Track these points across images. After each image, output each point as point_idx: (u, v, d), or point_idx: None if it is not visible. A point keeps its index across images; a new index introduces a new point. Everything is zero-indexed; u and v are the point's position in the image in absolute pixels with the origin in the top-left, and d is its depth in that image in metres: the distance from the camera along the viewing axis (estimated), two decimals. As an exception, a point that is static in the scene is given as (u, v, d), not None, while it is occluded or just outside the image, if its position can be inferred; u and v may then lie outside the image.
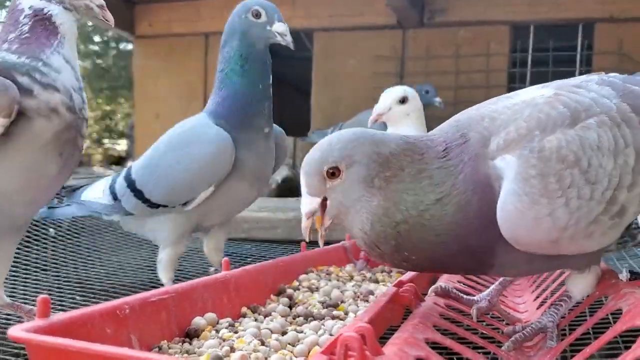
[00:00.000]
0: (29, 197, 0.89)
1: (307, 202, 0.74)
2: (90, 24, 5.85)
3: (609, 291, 0.78)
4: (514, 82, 3.19)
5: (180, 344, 0.73)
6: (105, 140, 8.47)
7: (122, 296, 0.72)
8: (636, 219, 1.07)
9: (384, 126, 1.29)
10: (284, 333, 0.78)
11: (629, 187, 0.70)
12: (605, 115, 0.72)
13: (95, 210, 1.27)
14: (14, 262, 1.40)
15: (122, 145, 8.24)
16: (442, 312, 0.81)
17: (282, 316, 0.86)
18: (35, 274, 1.36)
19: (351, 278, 1.16)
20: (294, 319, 0.86)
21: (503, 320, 0.92)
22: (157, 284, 1.29)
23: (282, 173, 2.84)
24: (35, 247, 1.55)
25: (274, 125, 1.21)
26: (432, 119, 1.51)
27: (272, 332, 0.77)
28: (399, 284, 0.83)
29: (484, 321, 0.87)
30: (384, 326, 0.79)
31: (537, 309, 0.99)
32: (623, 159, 0.70)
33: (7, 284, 1.23)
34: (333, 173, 0.72)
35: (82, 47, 6.47)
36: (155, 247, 1.72)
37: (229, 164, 1.11)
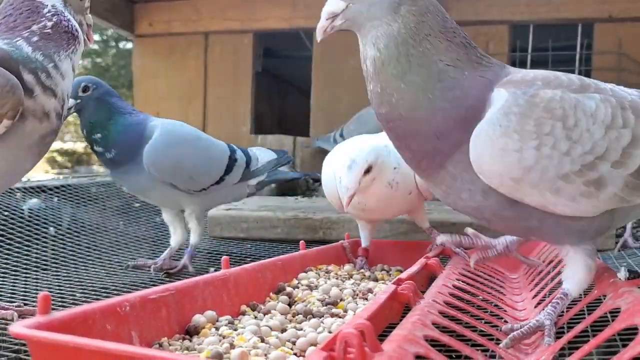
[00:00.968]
0: None
1: (332, 3, 0.78)
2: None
3: (607, 290, 0.79)
4: (514, 82, 3.19)
5: (181, 340, 0.73)
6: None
7: (122, 294, 0.72)
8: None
9: None
10: (283, 330, 0.78)
11: (614, 164, 0.72)
12: (614, 98, 0.74)
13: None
14: (15, 261, 1.40)
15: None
16: (442, 309, 0.81)
17: (281, 314, 0.87)
18: (35, 272, 1.36)
19: (350, 276, 1.17)
20: (293, 316, 0.86)
21: (502, 318, 0.92)
22: (157, 282, 1.30)
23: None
24: (36, 246, 1.55)
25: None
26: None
27: (271, 329, 0.77)
28: (398, 282, 0.84)
29: (482, 319, 0.87)
30: (383, 323, 0.79)
31: (535, 307, 1.00)
32: (615, 135, 0.72)
33: (7, 283, 1.24)
34: None
35: (82, 47, 6.45)
36: (155, 247, 1.73)
37: None
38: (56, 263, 1.46)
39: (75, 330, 0.58)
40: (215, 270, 0.94)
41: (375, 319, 0.67)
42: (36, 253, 1.50)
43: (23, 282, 1.25)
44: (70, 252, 1.57)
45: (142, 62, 3.91)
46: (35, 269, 1.39)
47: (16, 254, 1.46)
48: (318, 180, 2.70)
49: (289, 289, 0.99)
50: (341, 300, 0.95)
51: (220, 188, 1.44)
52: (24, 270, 1.36)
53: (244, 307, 0.88)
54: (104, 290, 1.21)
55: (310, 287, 1.03)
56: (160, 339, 0.72)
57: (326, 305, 0.91)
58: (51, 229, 1.68)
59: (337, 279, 1.11)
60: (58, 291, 1.18)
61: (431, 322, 0.71)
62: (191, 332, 0.76)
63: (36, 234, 1.62)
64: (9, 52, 0.84)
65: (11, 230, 1.59)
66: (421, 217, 1.37)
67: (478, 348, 0.75)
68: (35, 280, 1.28)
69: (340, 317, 0.85)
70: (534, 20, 3.16)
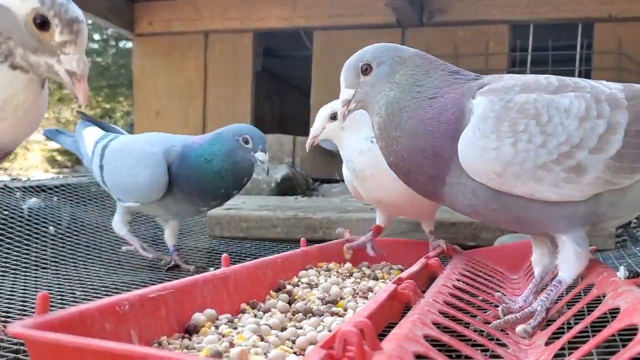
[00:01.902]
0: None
1: (344, 93, 0.96)
2: (90, 22, 5.84)
3: (607, 289, 0.79)
4: (514, 82, 3.19)
5: (180, 339, 0.73)
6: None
7: (122, 293, 0.72)
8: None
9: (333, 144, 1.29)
10: (283, 329, 0.78)
11: (591, 150, 0.80)
12: (590, 95, 0.82)
13: (81, 155, 1.54)
14: (14, 260, 1.40)
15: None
16: (441, 309, 0.81)
17: (281, 312, 0.86)
18: (35, 271, 1.36)
19: (350, 275, 1.17)
20: (293, 315, 0.86)
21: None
22: (156, 282, 1.30)
23: (281, 172, 2.83)
24: (35, 246, 1.55)
25: None
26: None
27: (271, 328, 0.77)
28: (399, 281, 0.84)
29: (482, 319, 0.87)
30: (383, 322, 0.79)
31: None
32: (590, 125, 0.80)
33: (7, 282, 1.24)
34: (366, 69, 0.93)
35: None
36: (155, 246, 1.72)
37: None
38: (56, 262, 1.46)
39: (74, 330, 0.58)
40: (215, 270, 0.94)
41: (375, 317, 0.67)
42: (36, 252, 1.50)
43: (23, 281, 1.25)
44: (70, 251, 1.57)
45: (142, 62, 3.91)
46: (35, 268, 1.39)
47: (16, 253, 1.46)
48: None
49: (289, 287, 0.99)
50: (341, 298, 0.95)
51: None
52: (24, 270, 1.36)
53: (243, 306, 0.88)
54: (103, 289, 1.20)
55: (311, 285, 1.02)
56: (160, 337, 0.72)
57: (326, 304, 0.90)
58: (51, 228, 1.68)
59: (337, 277, 1.11)
60: (58, 290, 1.18)
61: (431, 322, 0.71)
62: (191, 330, 0.76)
63: (36, 233, 1.62)
64: None
65: (11, 230, 1.59)
66: (429, 221, 1.38)
67: (478, 348, 0.75)
68: (35, 280, 1.28)
69: (340, 316, 0.85)
70: (534, 20, 3.16)
